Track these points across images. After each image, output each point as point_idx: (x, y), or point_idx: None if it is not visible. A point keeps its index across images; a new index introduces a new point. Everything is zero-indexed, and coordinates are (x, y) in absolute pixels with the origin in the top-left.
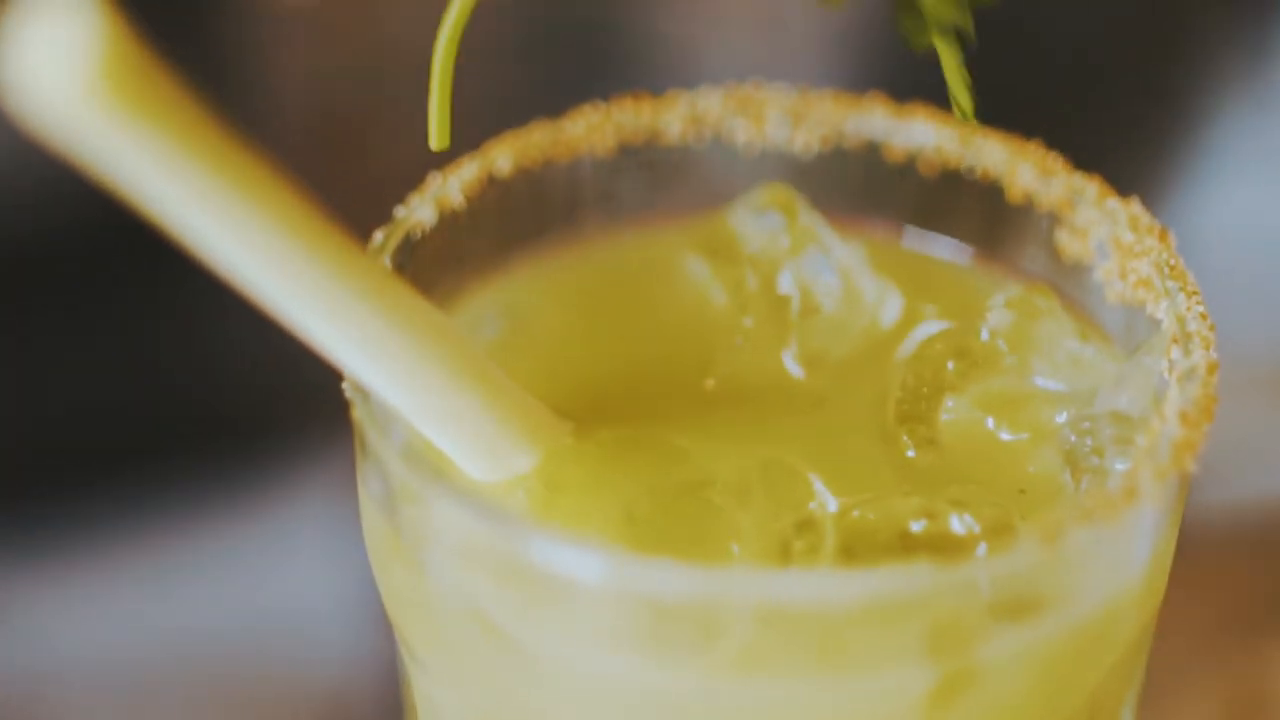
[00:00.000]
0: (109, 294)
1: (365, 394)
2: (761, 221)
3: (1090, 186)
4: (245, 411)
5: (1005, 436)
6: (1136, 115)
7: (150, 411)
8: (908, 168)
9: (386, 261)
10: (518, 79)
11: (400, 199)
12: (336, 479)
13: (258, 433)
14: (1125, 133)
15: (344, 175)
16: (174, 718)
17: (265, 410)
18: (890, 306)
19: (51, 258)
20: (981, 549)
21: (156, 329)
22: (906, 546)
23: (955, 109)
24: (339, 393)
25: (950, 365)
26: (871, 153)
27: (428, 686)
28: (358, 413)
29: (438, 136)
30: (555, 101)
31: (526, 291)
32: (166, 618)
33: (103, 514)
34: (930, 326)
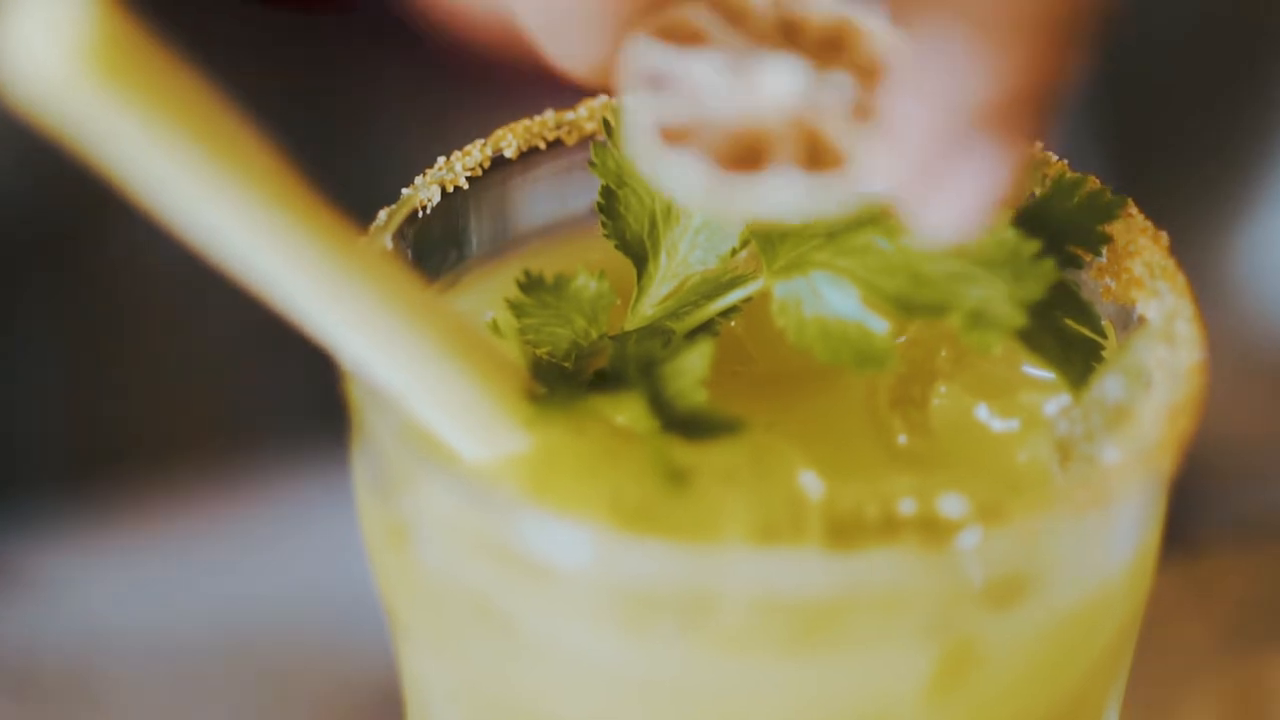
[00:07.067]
0: None
1: (359, 371)
2: None
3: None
4: (302, 386)
5: (996, 424)
6: (1208, 143)
7: (194, 392)
8: None
9: (388, 241)
10: None
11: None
12: None
13: (309, 408)
14: (1199, 158)
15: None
16: (224, 693)
17: (319, 384)
18: None
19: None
20: (970, 531)
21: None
22: (895, 528)
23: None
24: None
25: (943, 352)
26: None
27: (417, 661)
28: (352, 389)
29: None
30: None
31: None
32: (219, 594)
33: (154, 490)
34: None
